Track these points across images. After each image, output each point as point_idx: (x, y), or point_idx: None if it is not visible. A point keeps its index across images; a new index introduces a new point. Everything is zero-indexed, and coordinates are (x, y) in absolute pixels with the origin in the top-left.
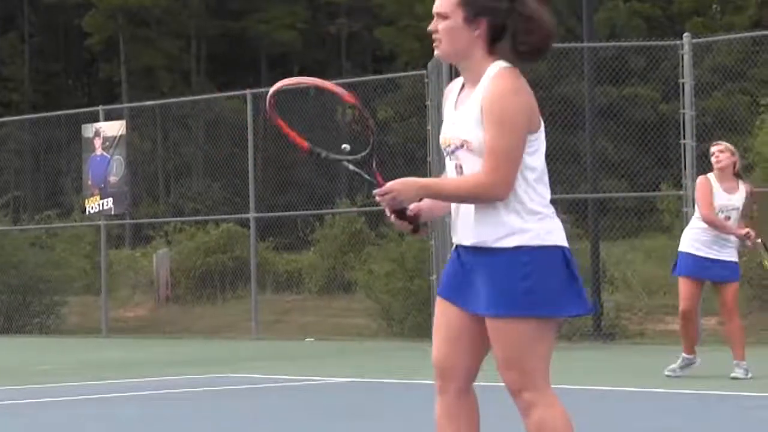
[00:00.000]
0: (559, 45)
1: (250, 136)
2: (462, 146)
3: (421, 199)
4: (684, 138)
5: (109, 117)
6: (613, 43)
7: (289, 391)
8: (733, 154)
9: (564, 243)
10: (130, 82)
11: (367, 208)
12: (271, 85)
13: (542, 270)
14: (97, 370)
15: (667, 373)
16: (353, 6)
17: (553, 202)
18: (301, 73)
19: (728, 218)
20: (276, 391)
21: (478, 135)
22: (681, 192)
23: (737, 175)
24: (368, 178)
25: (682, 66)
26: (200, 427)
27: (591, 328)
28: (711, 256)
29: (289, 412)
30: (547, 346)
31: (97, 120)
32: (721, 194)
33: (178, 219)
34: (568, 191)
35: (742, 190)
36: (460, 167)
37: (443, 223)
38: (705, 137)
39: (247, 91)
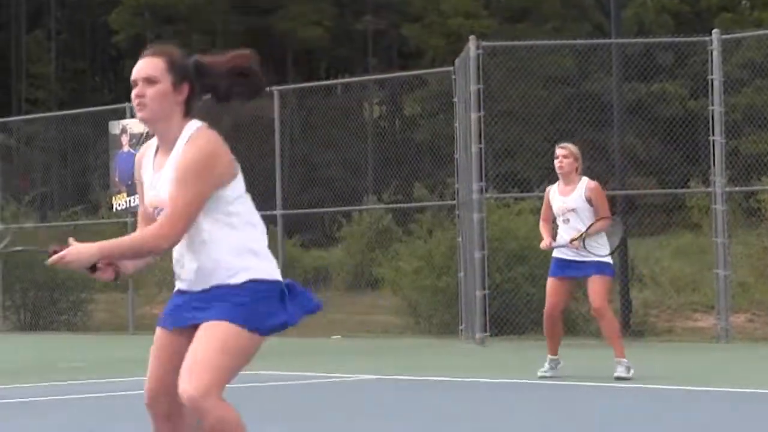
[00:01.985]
0: (587, 41)
1: (276, 133)
2: (164, 207)
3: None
4: (713, 134)
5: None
6: (641, 40)
7: (316, 389)
8: (576, 158)
9: (279, 278)
10: None
11: (395, 205)
12: (298, 82)
13: (264, 299)
14: (124, 367)
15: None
16: (380, 3)
17: None
18: (328, 70)
19: (567, 221)
20: (302, 389)
21: None
22: (710, 189)
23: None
24: (37, 248)
25: (711, 62)
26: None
27: (620, 326)
28: (569, 257)
29: (315, 409)
30: (243, 362)
31: (123, 117)
32: (557, 198)
33: None
34: None
35: (580, 188)
36: None
37: (469, 219)
38: (734, 134)
39: (274, 89)
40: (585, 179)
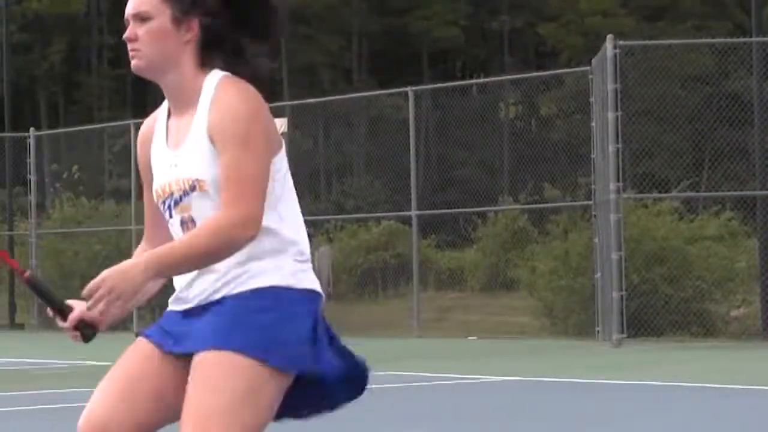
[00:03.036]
0: (727, 40)
1: (411, 134)
2: (193, 189)
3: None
4: None
5: (272, 115)
6: None
7: (453, 390)
8: None
9: (318, 290)
10: (291, 80)
11: (530, 206)
12: (434, 82)
13: (288, 315)
14: None
15: None
16: (515, 2)
17: (720, 199)
18: (463, 70)
19: None
20: (439, 390)
21: (213, 170)
22: None
23: None
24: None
25: None
26: (364, 427)
27: (760, 328)
28: None
29: (452, 410)
30: (263, 404)
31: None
32: None
33: (340, 216)
34: (736, 188)
35: None
36: (191, 220)
37: (606, 220)
38: None
39: (409, 89)
40: None
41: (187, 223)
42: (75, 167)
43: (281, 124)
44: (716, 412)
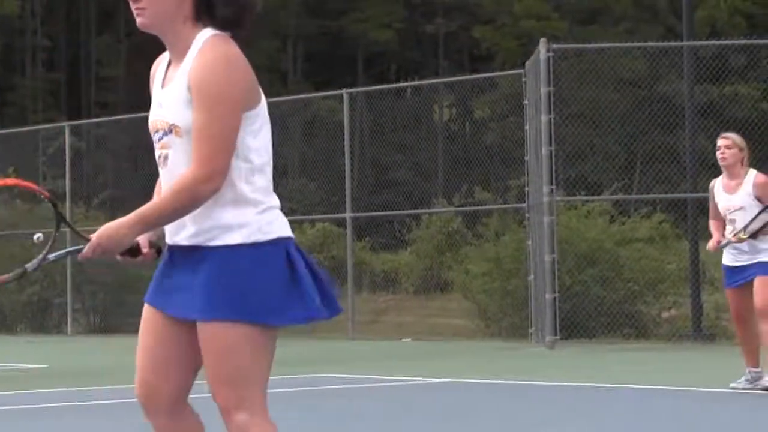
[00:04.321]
0: (659, 44)
1: (346, 136)
2: (170, 131)
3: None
4: None
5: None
6: (713, 42)
7: (386, 392)
8: (741, 149)
9: (287, 234)
10: None
11: (464, 208)
12: (368, 84)
13: (263, 270)
14: None
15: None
16: (450, 5)
17: (652, 201)
18: (398, 73)
19: (733, 221)
20: (373, 392)
21: (187, 117)
22: None
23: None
24: (69, 249)
25: None
26: (296, 427)
27: (691, 329)
28: (740, 264)
29: (385, 412)
30: (265, 358)
31: None
32: (721, 195)
33: None
34: (667, 191)
35: (747, 184)
36: (165, 157)
37: (539, 222)
38: None
39: (344, 91)
40: (752, 173)
41: (163, 159)
42: (10, 169)
43: None
44: (650, 413)
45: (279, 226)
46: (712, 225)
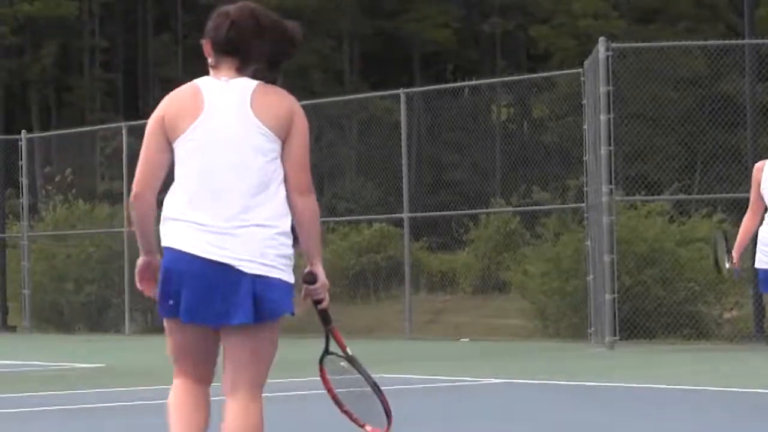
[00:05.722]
0: (720, 42)
1: (403, 136)
2: None
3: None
4: None
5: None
6: None
7: (444, 392)
8: None
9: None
10: (282, 83)
11: (522, 208)
12: (425, 84)
13: None
14: None
15: None
16: (507, 4)
17: (712, 201)
18: (455, 72)
19: None
20: (430, 392)
21: None
22: None
23: None
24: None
25: None
26: (353, 428)
27: (753, 330)
28: None
29: (443, 413)
30: (171, 343)
31: None
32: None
33: (332, 219)
34: (729, 190)
35: None
36: None
37: (599, 222)
38: None
39: (401, 91)
40: None
41: None
42: (68, 170)
43: None
44: (710, 415)
45: (168, 240)
46: (749, 215)
